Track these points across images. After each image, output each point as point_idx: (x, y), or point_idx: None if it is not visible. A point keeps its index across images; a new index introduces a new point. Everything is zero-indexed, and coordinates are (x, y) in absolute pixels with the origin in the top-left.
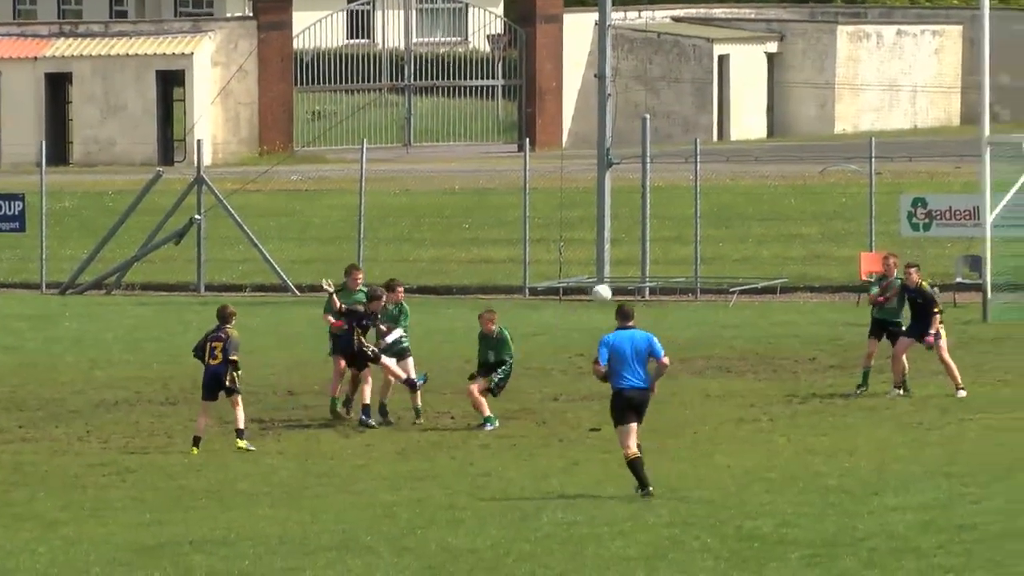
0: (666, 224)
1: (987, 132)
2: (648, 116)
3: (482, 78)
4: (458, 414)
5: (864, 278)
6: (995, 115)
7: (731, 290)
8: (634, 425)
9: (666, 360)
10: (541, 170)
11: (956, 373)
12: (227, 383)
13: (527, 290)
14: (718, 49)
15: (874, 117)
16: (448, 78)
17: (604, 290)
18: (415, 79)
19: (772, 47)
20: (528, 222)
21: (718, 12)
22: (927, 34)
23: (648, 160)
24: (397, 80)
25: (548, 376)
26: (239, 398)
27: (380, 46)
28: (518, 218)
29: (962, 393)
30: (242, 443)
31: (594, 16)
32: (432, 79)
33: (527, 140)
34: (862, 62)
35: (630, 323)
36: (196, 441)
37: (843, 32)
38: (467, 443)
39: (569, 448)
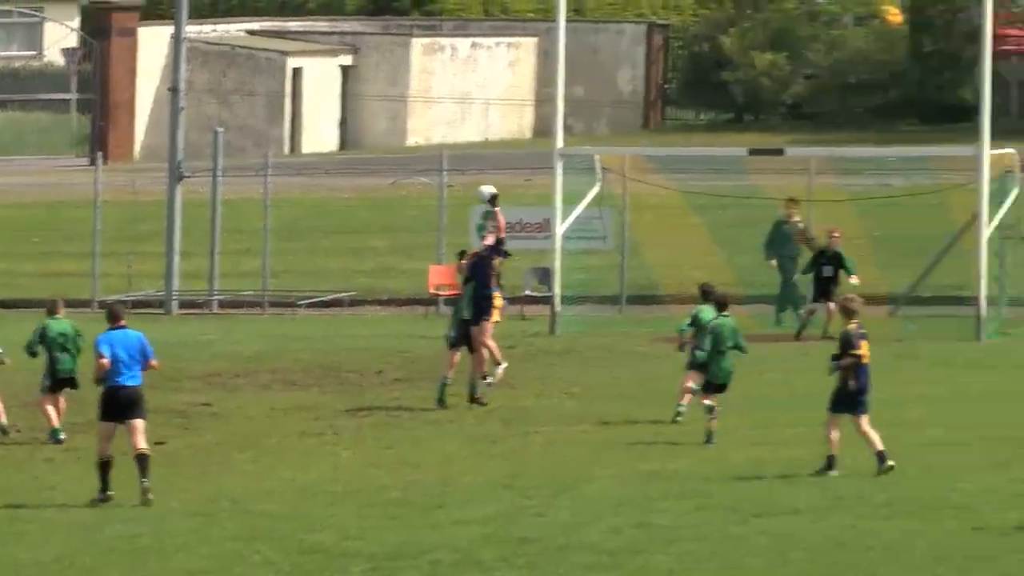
0: (236, 237)
1: (559, 144)
2: (220, 129)
3: (57, 91)
4: (25, 427)
5: (432, 291)
6: (567, 128)
7: (298, 303)
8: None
9: (155, 362)
10: (113, 183)
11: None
12: None
13: (96, 303)
14: (292, 62)
15: (446, 130)
16: (22, 92)
17: (486, 188)
18: None
19: (347, 60)
20: (99, 235)
21: (293, 25)
22: (502, 47)
23: (219, 173)
24: None
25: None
26: None
27: None
28: (89, 232)
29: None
30: None
31: (170, 29)
32: (6, 92)
33: (99, 153)
34: (436, 75)
35: (121, 323)
36: None
37: (417, 45)
38: (32, 457)
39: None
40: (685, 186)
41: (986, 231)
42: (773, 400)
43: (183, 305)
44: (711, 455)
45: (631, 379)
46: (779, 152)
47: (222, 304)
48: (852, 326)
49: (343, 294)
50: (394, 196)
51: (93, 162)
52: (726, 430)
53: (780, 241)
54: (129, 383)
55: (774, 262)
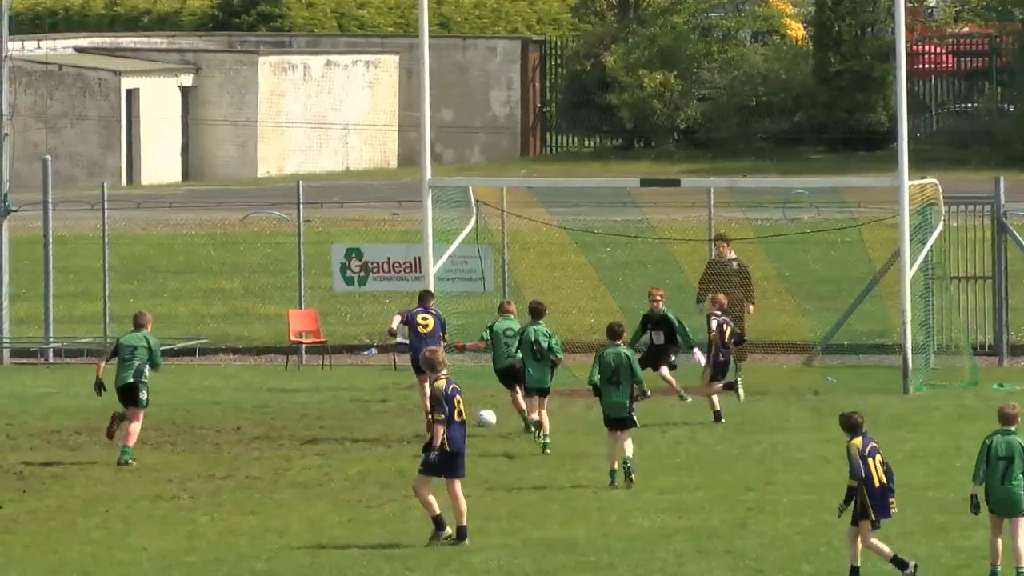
0: (71, 278)
1: (428, 175)
2: (50, 158)
3: None
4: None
5: (293, 338)
6: (436, 156)
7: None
8: None
9: None
10: None
11: None
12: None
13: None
14: (127, 82)
15: (302, 158)
16: None
17: (489, 415)
18: None
19: (187, 80)
20: None
21: (126, 41)
22: (359, 65)
23: (50, 207)
24: None
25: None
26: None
27: None
28: None
29: None
30: None
31: None
32: None
33: None
34: (287, 97)
35: None
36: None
37: (265, 63)
38: None
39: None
40: (569, 221)
41: (909, 271)
42: (679, 461)
43: (15, 354)
44: (613, 521)
45: (519, 436)
46: (675, 183)
47: (58, 353)
48: (857, 441)
49: (193, 341)
50: (246, 232)
51: None
52: (630, 493)
53: (716, 284)
54: None
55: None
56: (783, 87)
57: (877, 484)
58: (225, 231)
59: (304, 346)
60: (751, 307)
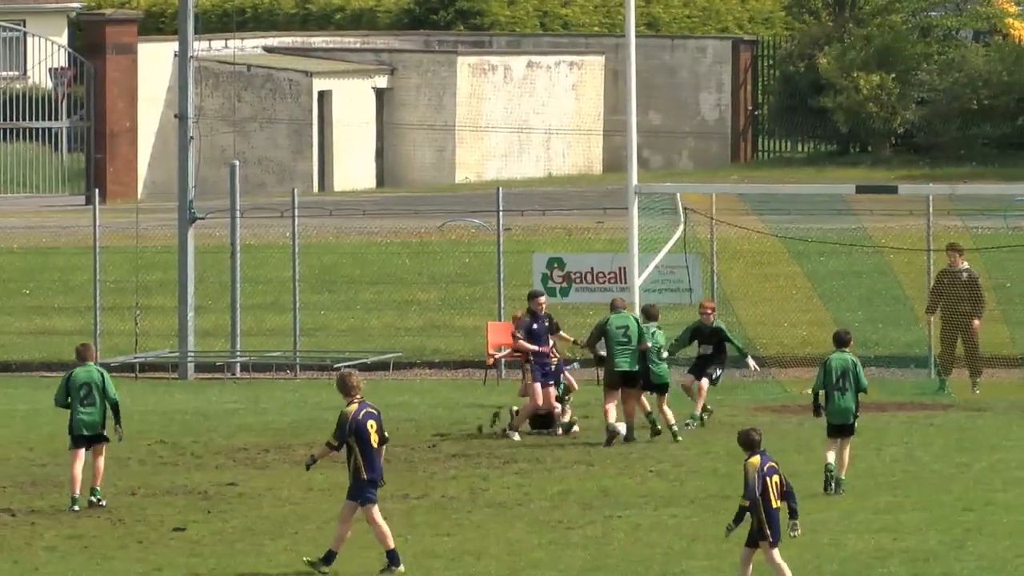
0: (260, 289)
1: (634, 181)
2: (238, 162)
3: (44, 119)
4: (20, 510)
5: (491, 351)
6: (643, 161)
7: (336, 366)
8: None
9: None
10: (114, 226)
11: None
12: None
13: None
14: (318, 84)
15: (502, 164)
16: (4, 119)
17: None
18: None
19: (382, 82)
20: (99, 287)
21: (318, 41)
22: (563, 66)
23: (238, 214)
24: None
25: (124, 467)
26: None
27: None
28: (87, 282)
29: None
30: None
31: (173, 45)
32: None
33: (96, 191)
34: (487, 100)
35: None
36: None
37: (464, 64)
38: (31, 544)
39: (150, 551)
40: (782, 230)
41: None
42: (895, 480)
43: (200, 368)
44: (825, 542)
45: (727, 454)
46: (892, 190)
47: (245, 367)
48: (755, 460)
49: (387, 355)
50: (443, 241)
51: (90, 201)
52: (843, 514)
53: (947, 295)
54: None
55: (934, 317)
56: (1006, 89)
57: (774, 504)
58: (421, 240)
59: (503, 360)
60: (976, 321)
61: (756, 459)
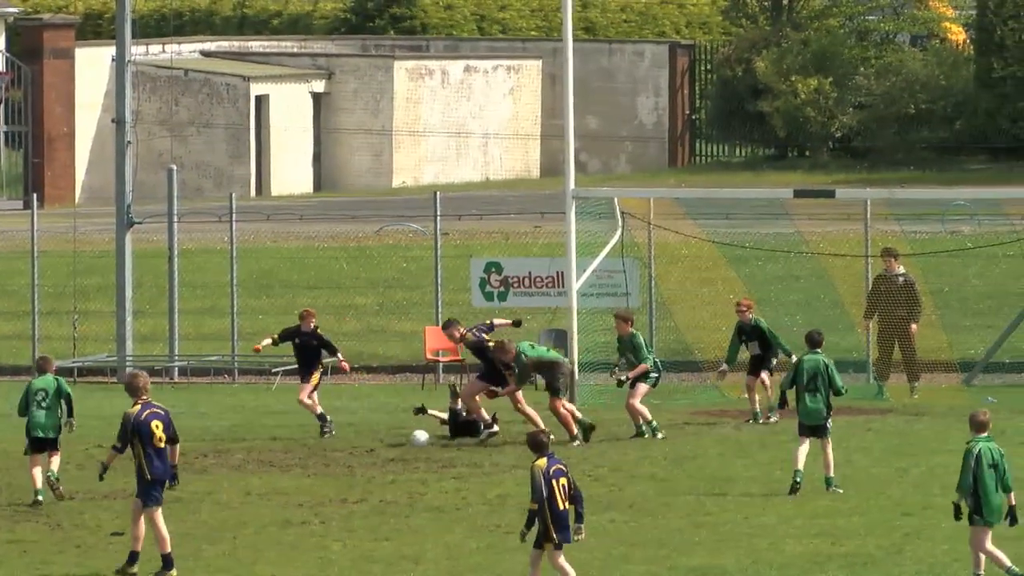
0: (198, 293)
1: (572, 185)
2: (175, 167)
3: None
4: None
5: (430, 356)
6: (581, 165)
7: (273, 370)
8: None
9: None
10: (51, 230)
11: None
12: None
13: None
14: (255, 88)
15: (439, 168)
16: None
17: (421, 435)
18: None
19: (319, 86)
20: (37, 291)
21: (255, 46)
22: (500, 71)
23: (176, 219)
24: None
25: (63, 471)
26: None
27: None
28: (25, 287)
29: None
30: None
31: (111, 50)
32: None
33: (34, 195)
34: (424, 104)
35: None
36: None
37: (401, 68)
38: None
39: (88, 555)
40: (720, 234)
41: None
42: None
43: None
44: (763, 547)
45: (664, 458)
46: (830, 194)
47: (184, 371)
48: (541, 462)
49: (325, 360)
50: (381, 245)
51: (27, 205)
52: (781, 518)
53: (884, 299)
54: None
55: (871, 322)
56: (943, 94)
57: (561, 507)
58: (359, 244)
59: (441, 364)
60: (913, 326)
61: (543, 461)
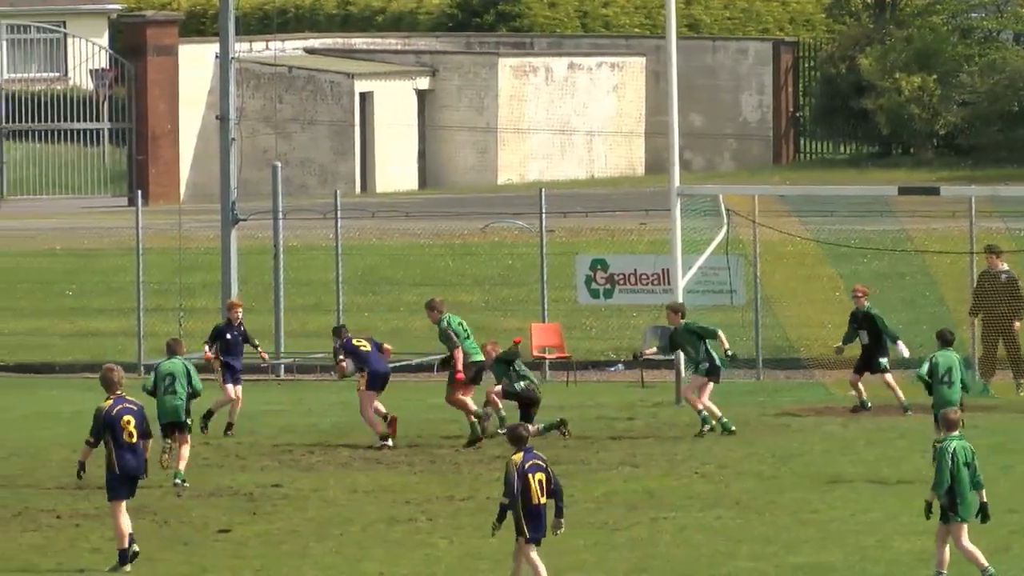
0: (303, 290)
1: (676, 183)
2: (279, 164)
3: (85, 120)
4: (64, 512)
5: (536, 353)
6: (685, 163)
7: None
8: None
9: None
10: (155, 227)
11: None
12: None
13: (143, 367)
14: (359, 85)
15: (544, 165)
16: (45, 120)
17: None
18: (6, 121)
19: (423, 83)
20: (142, 288)
21: (359, 42)
22: (604, 68)
23: (280, 216)
24: None
25: (169, 470)
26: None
27: None
28: (130, 284)
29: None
30: None
31: (214, 47)
32: (27, 121)
33: (139, 193)
34: (528, 101)
35: None
36: None
37: (505, 66)
38: (76, 546)
39: (195, 552)
40: (824, 232)
41: None
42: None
43: (244, 370)
44: (871, 545)
45: (771, 456)
46: (934, 191)
47: (289, 369)
48: (518, 456)
49: (431, 357)
50: (486, 243)
51: (132, 203)
52: (888, 515)
53: (987, 297)
54: None
55: (976, 320)
56: None
57: (534, 501)
58: (464, 242)
59: (547, 361)
60: (1016, 323)
61: (519, 456)
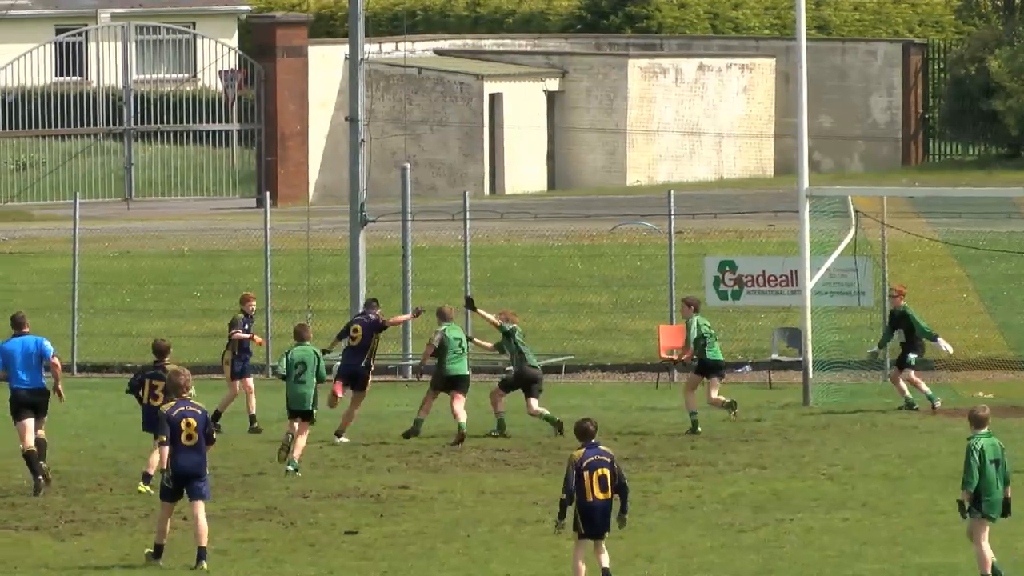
0: (431, 291)
1: (805, 184)
2: (408, 165)
3: (214, 121)
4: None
5: (664, 355)
6: (814, 164)
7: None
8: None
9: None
10: (284, 229)
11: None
12: None
13: (270, 369)
14: (489, 87)
15: (673, 166)
16: (174, 121)
17: None
18: (136, 122)
19: (553, 84)
20: (270, 289)
21: (488, 44)
22: (734, 69)
23: (409, 217)
24: (115, 124)
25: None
26: None
27: (95, 84)
28: (258, 285)
29: None
30: None
31: (344, 48)
32: (156, 122)
33: (267, 194)
34: (658, 102)
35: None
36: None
37: (635, 67)
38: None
39: (321, 554)
40: (952, 233)
41: None
42: None
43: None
44: (1000, 544)
45: (898, 457)
46: None
47: (417, 370)
48: (578, 452)
49: (559, 358)
50: (614, 244)
51: (260, 204)
52: (1015, 517)
53: None
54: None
55: None
56: None
57: (589, 498)
58: (592, 243)
59: (675, 363)
60: None
61: (579, 452)
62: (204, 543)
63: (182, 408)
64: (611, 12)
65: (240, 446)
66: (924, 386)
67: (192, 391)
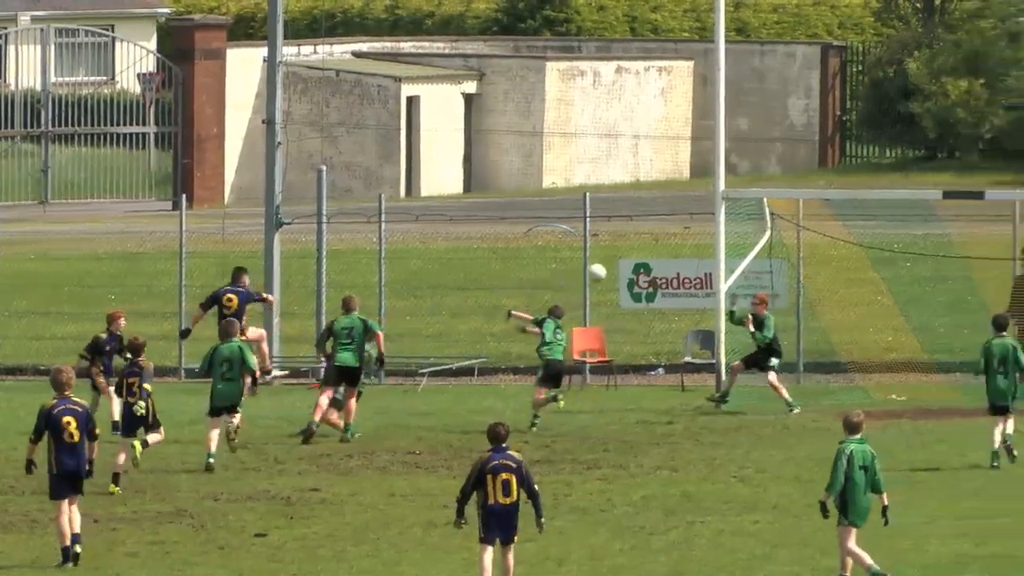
0: (345, 294)
1: (722, 186)
2: (325, 168)
3: (132, 124)
4: (102, 516)
5: (577, 357)
6: (731, 166)
7: (420, 371)
8: None
9: None
10: (200, 231)
11: None
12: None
13: (183, 371)
14: (407, 89)
15: (590, 169)
16: (92, 124)
17: (598, 269)
18: (53, 125)
19: (470, 87)
20: (185, 292)
21: (407, 46)
22: (652, 71)
23: (324, 219)
24: (33, 126)
25: (206, 472)
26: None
27: (12, 86)
28: (173, 287)
29: None
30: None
31: (262, 51)
32: (74, 125)
33: (183, 196)
34: (575, 105)
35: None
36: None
37: (553, 69)
38: (113, 551)
39: (231, 557)
40: (868, 235)
41: None
42: (977, 486)
43: (285, 374)
44: (907, 548)
45: (809, 459)
46: (979, 195)
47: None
48: (486, 454)
49: (472, 361)
50: (529, 246)
51: (176, 206)
52: (927, 519)
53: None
54: None
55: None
56: None
57: (491, 501)
58: (508, 245)
59: (588, 365)
60: None
61: (487, 454)
62: (78, 529)
63: (63, 407)
64: (529, 15)
65: (151, 449)
66: (784, 392)
67: (73, 390)
